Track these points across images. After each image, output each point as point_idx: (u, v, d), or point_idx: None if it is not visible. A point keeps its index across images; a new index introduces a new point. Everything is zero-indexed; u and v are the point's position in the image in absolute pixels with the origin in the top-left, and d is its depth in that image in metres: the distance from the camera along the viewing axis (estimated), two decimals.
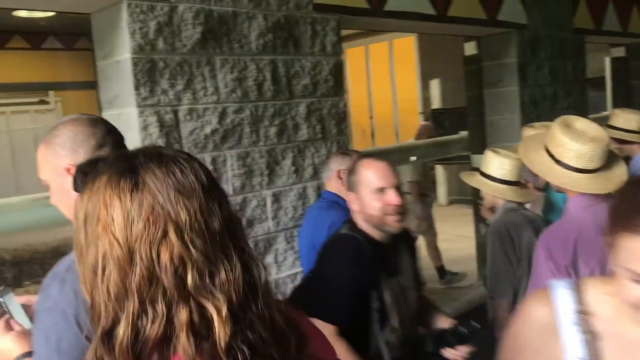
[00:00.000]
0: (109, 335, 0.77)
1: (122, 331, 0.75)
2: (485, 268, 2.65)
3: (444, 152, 4.75)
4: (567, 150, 1.87)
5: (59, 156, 1.36)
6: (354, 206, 1.87)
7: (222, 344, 0.75)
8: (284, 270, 2.79)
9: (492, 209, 2.52)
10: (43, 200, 2.06)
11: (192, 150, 2.46)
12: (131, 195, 0.77)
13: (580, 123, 1.93)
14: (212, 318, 0.75)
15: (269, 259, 2.70)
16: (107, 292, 0.77)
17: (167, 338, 0.76)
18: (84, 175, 0.91)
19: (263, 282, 0.83)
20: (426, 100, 10.24)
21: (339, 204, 2.39)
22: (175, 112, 2.41)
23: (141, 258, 0.76)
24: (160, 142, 2.35)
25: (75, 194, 1.29)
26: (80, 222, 0.81)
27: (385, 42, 11.33)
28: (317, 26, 2.93)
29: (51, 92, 12.65)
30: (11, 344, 1.33)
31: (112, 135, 1.39)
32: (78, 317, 1.18)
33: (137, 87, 2.30)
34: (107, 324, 0.77)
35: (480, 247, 4.28)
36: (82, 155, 1.32)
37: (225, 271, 0.78)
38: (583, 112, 4.82)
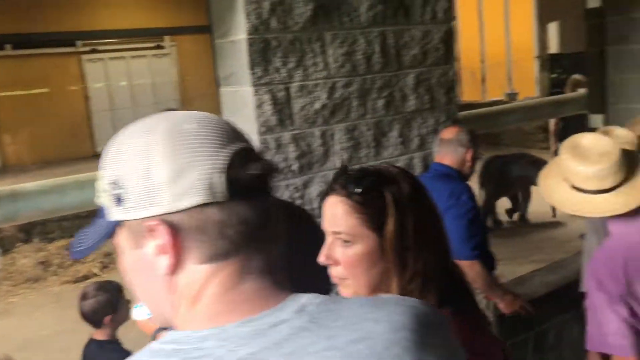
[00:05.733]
0: None
1: None
2: None
3: (559, 112, 4.52)
4: (576, 174, 1.77)
5: None
6: None
7: None
8: None
9: None
10: None
11: (303, 125, 2.55)
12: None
13: (588, 140, 1.81)
14: None
15: None
16: None
17: None
18: None
19: None
20: (542, 43, 9.64)
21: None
22: (287, 89, 2.50)
23: None
24: (274, 119, 2.46)
25: None
26: None
27: None
28: None
29: (167, 37, 13.24)
30: None
31: None
32: None
33: (252, 67, 2.40)
34: None
35: None
36: None
37: None
38: None
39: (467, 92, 11.68)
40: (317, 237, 1.24)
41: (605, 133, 2.39)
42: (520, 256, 5.19)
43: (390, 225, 1.13)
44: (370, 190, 1.15)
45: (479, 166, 6.87)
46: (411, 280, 1.13)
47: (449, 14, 2.96)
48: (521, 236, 6.31)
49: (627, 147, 2.22)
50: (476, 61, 11.54)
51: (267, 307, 0.63)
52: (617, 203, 1.76)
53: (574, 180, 1.82)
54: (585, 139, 1.84)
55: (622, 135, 2.36)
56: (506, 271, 3.85)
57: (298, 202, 2.55)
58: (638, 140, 2.37)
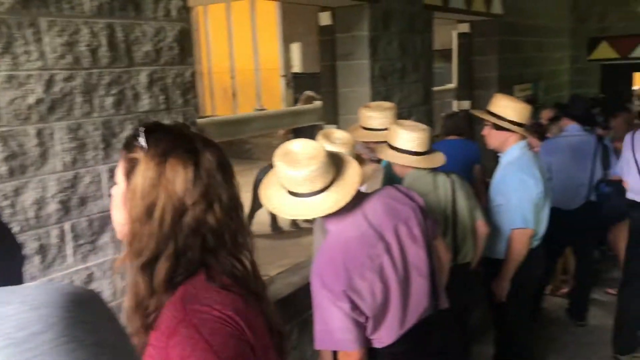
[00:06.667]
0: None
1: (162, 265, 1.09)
2: None
3: (298, 121, 4.77)
4: (289, 179, 1.84)
5: None
6: None
7: None
8: None
9: None
10: None
11: (13, 122, 2.21)
12: (193, 172, 1.09)
13: (297, 145, 1.87)
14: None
15: (106, 238, 2.55)
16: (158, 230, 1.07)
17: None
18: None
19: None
20: (287, 63, 10.21)
21: None
22: None
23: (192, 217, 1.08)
24: None
25: None
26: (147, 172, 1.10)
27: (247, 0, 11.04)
28: None
29: None
30: None
31: None
32: None
33: None
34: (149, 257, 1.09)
35: None
36: None
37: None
38: (429, 86, 5.08)
39: (220, 108, 11.82)
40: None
41: (326, 135, 2.54)
42: (268, 262, 5.32)
43: (134, 181, 1.13)
44: (131, 140, 1.18)
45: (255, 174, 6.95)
46: (144, 247, 1.10)
47: (184, 13, 2.88)
48: (271, 243, 6.51)
49: (345, 148, 2.38)
50: (227, 78, 11.74)
51: None
52: (328, 202, 1.83)
53: (288, 185, 1.85)
54: (294, 145, 1.87)
55: (341, 137, 2.53)
56: None
57: (8, 211, 2.19)
58: (354, 142, 2.57)
